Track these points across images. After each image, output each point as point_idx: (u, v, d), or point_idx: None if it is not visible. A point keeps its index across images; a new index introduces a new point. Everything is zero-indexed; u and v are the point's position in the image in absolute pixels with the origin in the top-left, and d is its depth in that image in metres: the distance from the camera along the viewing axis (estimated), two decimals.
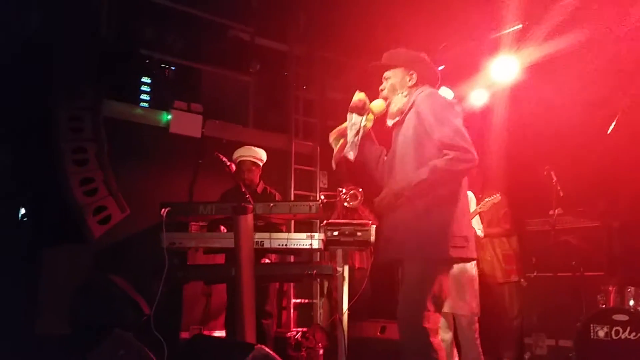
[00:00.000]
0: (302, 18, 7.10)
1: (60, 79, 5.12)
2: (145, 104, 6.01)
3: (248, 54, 6.75)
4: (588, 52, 5.05)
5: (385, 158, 2.91)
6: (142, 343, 3.03)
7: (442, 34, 5.81)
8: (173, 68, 6.32)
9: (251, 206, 3.60)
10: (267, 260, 4.51)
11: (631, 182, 4.69)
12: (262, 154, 4.81)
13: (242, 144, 6.07)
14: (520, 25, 5.53)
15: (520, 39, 5.62)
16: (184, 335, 4.97)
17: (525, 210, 5.53)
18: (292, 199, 6.49)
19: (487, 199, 4.34)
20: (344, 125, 2.84)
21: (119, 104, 5.70)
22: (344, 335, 3.64)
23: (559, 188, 4.71)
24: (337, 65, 7.34)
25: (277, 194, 4.97)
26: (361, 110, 2.76)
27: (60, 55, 5.12)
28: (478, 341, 4.18)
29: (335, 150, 2.86)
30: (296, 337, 5.46)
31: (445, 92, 5.47)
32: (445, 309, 4.08)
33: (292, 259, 5.49)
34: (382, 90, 2.86)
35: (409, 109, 2.75)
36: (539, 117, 5.30)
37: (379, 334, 4.26)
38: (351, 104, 2.77)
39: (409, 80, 2.82)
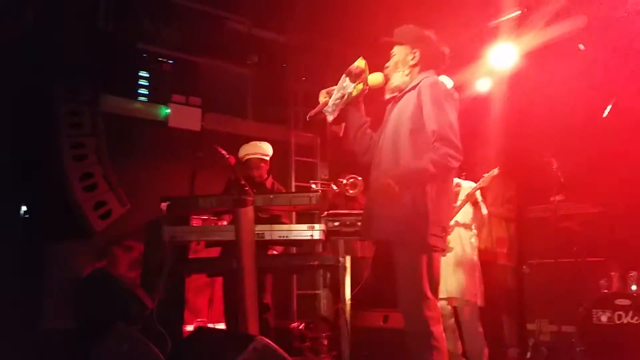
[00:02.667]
0: (300, 8, 7.04)
1: (59, 73, 5.11)
2: (143, 98, 6.00)
3: (245, 46, 6.72)
4: (587, 37, 5.03)
5: (369, 131, 2.90)
6: (145, 337, 3.04)
7: (442, 20, 5.76)
8: (171, 61, 6.29)
9: (251, 198, 3.60)
10: (274, 252, 4.51)
11: (633, 167, 4.67)
12: (268, 149, 4.78)
13: (241, 137, 6.08)
14: (519, 12, 5.49)
15: (519, 25, 5.60)
16: (189, 328, 5.00)
17: (527, 197, 5.52)
18: (293, 191, 6.48)
19: (485, 175, 4.32)
20: (334, 87, 2.81)
21: (117, 99, 5.70)
22: (347, 325, 3.65)
23: (559, 174, 4.69)
24: (336, 55, 7.28)
25: (283, 188, 4.97)
26: (355, 76, 2.72)
27: (59, 50, 5.11)
28: (481, 329, 4.17)
29: (320, 106, 2.82)
30: (300, 328, 5.48)
31: (445, 80, 5.44)
32: (445, 294, 4.09)
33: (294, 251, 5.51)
34: (387, 67, 2.83)
35: (409, 89, 2.72)
36: (540, 103, 5.28)
37: (382, 323, 4.26)
38: (349, 67, 2.73)
39: (412, 59, 2.79)
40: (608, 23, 4.87)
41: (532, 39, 5.52)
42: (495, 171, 4.29)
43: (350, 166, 6.04)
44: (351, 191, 5.38)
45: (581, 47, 5.05)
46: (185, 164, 5.65)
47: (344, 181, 5.43)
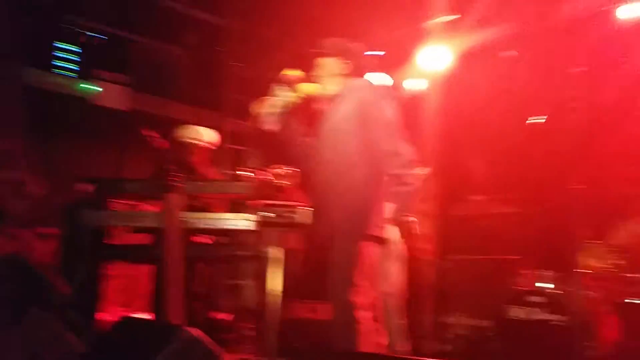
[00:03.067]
0: None
1: None
2: (70, 73, 5.69)
3: (181, 26, 6.52)
4: (517, 45, 5.25)
5: (306, 138, 3.00)
6: (63, 325, 2.90)
7: (377, 20, 5.84)
8: (102, 37, 6.00)
9: (180, 184, 3.51)
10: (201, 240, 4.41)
11: (549, 170, 4.93)
12: (207, 135, 4.64)
13: (172, 119, 5.90)
14: (452, 16, 5.65)
15: (451, 28, 5.76)
16: (107, 317, 4.82)
17: (448, 195, 5.71)
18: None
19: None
20: (271, 96, 2.88)
21: (41, 72, 5.37)
22: (275, 316, 3.64)
23: (481, 175, 4.88)
24: (274, 44, 7.23)
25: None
26: (292, 85, 2.82)
27: None
28: (404, 321, 4.27)
29: (255, 117, 2.90)
30: (226, 319, 5.42)
31: (384, 79, 5.53)
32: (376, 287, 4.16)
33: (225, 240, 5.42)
34: (316, 75, 2.93)
35: (345, 98, 2.84)
36: (468, 105, 5.46)
37: (310, 315, 4.29)
38: (284, 76, 2.83)
39: (344, 69, 2.91)
40: (538, 33, 5.10)
41: (463, 42, 5.71)
42: (427, 170, 4.40)
43: (281, 157, 6.03)
44: (282, 182, 5.36)
45: (511, 53, 5.27)
46: (112, 146, 5.45)
47: (275, 170, 5.40)
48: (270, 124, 2.87)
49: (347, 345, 2.58)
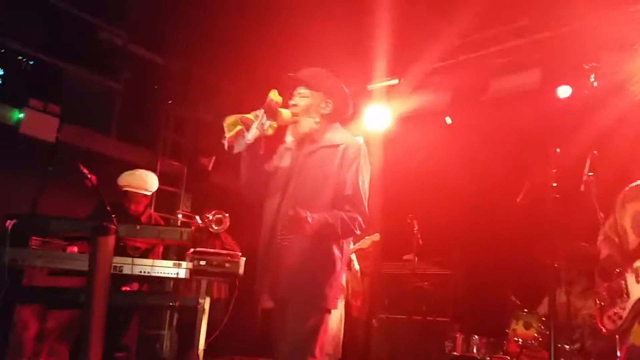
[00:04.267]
0: (180, 32, 6.84)
1: None
2: None
3: (119, 60, 6.32)
4: (453, 112, 5.50)
5: (265, 169, 2.78)
6: None
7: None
8: (31, 62, 5.68)
9: (114, 227, 3.30)
10: (127, 289, 4.14)
11: (480, 235, 5.11)
12: (153, 184, 4.44)
13: (101, 155, 5.61)
14: (396, 80, 5.86)
15: (393, 91, 5.97)
16: None
17: (384, 253, 5.76)
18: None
19: (367, 237, 4.45)
20: (248, 115, 2.65)
21: None
22: None
23: (419, 236, 4.97)
24: (212, 86, 7.15)
25: (163, 222, 4.63)
26: (272, 113, 2.62)
27: None
28: None
29: (228, 134, 2.62)
30: None
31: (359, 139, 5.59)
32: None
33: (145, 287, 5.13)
34: (294, 105, 2.73)
35: (331, 145, 2.68)
36: (410, 166, 5.60)
37: None
38: (268, 101, 2.60)
39: (324, 108, 2.73)
40: (472, 104, 5.37)
41: (403, 104, 5.92)
42: (377, 236, 4.43)
43: (215, 200, 5.87)
44: (216, 227, 5.20)
45: (448, 120, 5.50)
46: (33, 178, 5.07)
47: (210, 216, 5.24)
48: (240, 146, 2.62)
49: None
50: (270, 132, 2.65)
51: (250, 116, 2.63)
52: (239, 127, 2.61)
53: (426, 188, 5.51)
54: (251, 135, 2.60)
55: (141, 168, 4.95)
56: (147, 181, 4.42)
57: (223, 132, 2.68)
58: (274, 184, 2.72)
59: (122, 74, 6.32)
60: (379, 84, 6.02)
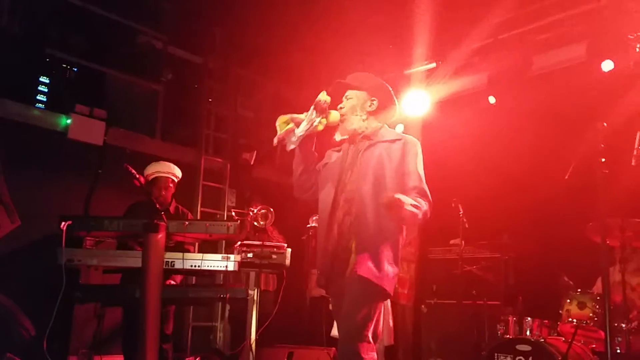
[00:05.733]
0: (218, 32, 6.95)
1: None
2: (41, 106, 5.51)
3: (159, 62, 6.47)
4: (495, 92, 5.39)
5: (317, 167, 2.91)
6: None
7: (358, 63, 5.92)
8: (75, 69, 5.87)
9: (164, 224, 3.40)
10: (172, 282, 4.26)
11: (528, 216, 5.00)
12: (178, 171, 4.57)
13: (147, 156, 5.76)
14: (433, 64, 5.79)
15: (431, 76, 5.89)
16: (73, 359, 4.55)
17: (429, 239, 5.72)
18: (199, 216, 6.22)
19: None
20: (299, 115, 2.79)
21: (14, 104, 5.19)
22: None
23: (465, 220, 4.91)
24: (250, 83, 7.25)
25: (189, 213, 4.74)
26: (322, 110, 2.75)
27: None
28: None
29: (280, 131, 2.79)
30: None
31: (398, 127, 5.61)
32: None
33: (194, 280, 5.26)
34: (341, 107, 2.87)
35: (387, 140, 2.78)
36: (451, 150, 5.53)
37: None
38: (317, 100, 2.75)
39: (370, 106, 2.86)
40: (511, 83, 5.24)
41: (442, 89, 5.84)
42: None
43: (259, 196, 5.96)
44: (262, 222, 5.27)
45: (491, 99, 5.39)
46: (83, 181, 5.26)
47: (255, 210, 5.31)
48: (291, 143, 2.77)
49: None
50: (320, 127, 2.78)
51: (302, 116, 2.77)
52: (290, 125, 2.74)
53: (469, 171, 5.42)
54: (301, 129, 2.72)
55: (186, 166, 5.08)
56: (171, 166, 4.54)
57: (263, 127, 2.81)
58: (330, 176, 2.83)
59: (163, 76, 6.45)
60: (417, 69, 5.96)
